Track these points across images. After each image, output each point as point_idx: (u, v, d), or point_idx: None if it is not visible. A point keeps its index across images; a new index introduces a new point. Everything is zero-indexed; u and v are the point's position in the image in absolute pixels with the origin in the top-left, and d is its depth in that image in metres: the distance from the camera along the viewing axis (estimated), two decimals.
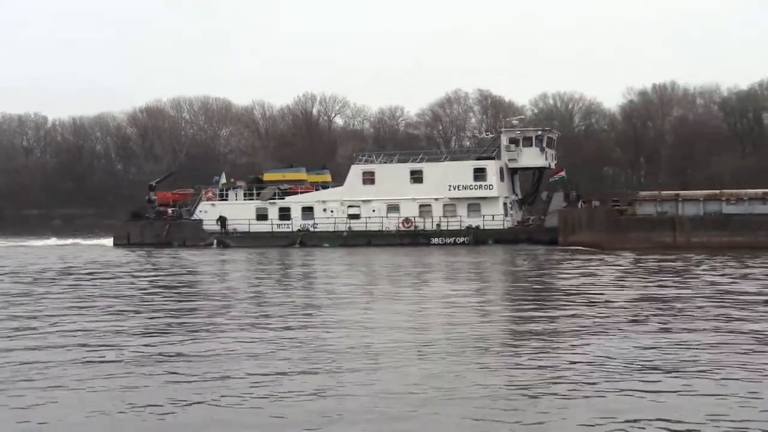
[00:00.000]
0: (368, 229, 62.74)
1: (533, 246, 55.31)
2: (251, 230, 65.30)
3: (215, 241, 64.68)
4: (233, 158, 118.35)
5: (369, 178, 64.15)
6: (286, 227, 64.72)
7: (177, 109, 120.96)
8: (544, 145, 62.28)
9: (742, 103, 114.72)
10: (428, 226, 61.89)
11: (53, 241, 72.51)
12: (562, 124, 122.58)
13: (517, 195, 65.25)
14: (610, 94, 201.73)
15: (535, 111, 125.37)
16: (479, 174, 61.38)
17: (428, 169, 63.34)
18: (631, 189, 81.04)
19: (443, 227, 61.48)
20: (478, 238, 59.57)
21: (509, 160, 62.72)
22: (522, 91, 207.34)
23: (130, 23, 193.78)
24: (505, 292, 29.90)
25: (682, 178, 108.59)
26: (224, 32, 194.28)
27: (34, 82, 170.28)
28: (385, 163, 66.17)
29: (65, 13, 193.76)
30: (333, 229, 63.38)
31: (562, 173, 63.22)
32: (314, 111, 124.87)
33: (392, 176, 63.60)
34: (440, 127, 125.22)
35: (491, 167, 61.35)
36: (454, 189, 61.70)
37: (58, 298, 27.67)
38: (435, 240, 60.79)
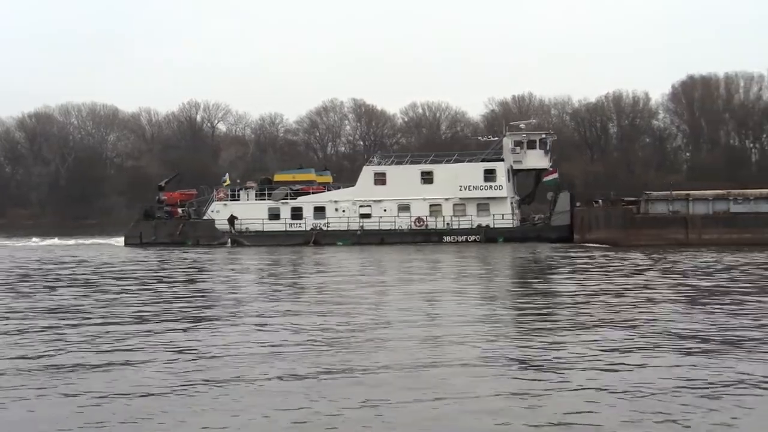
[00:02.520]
0: (381, 228, 61.76)
1: (544, 243, 55.39)
2: (265, 229, 62.60)
3: (229, 240, 61.54)
4: (120, 162, 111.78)
5: (380, 179, 63.10)
6: (298, 226, 62.52)
7: (65, 114, 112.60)
8: (548, 148, 63.56)
9: (590, 113, 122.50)
10: (439, 225, 61.72)
11: (56, 240, 66.77)
12: (430, 132, 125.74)
13: (517, 195, 66.06)
14: (474, 104, 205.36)
15: (405, 119, 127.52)
16: (489, 175, 61.79)
17: (438, 170, 62.94)
18: None
19: (454, 226, 61.49)
20: (488, 236, 59.79)
21: (514, 161, 63.25)
22: (393, 101, 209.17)
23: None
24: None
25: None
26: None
27: None
28: (396, 164, 65.29)
29: None
30: (346, 228, 61.93)
31: (555, 175, 64.51)
32: (198, 117, 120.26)
33: (403, 177, 62.82)
34: (317, 134, 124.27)
35: (500, 168, 61.91)
36: (465, 189, 61.78)
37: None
38: (447, 238, 60.48)
